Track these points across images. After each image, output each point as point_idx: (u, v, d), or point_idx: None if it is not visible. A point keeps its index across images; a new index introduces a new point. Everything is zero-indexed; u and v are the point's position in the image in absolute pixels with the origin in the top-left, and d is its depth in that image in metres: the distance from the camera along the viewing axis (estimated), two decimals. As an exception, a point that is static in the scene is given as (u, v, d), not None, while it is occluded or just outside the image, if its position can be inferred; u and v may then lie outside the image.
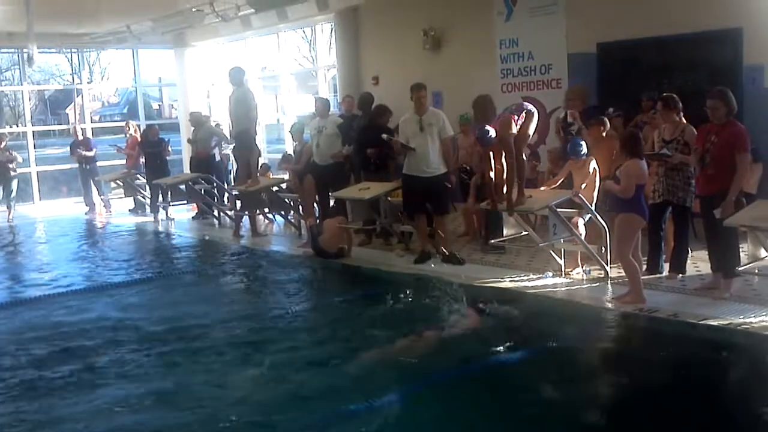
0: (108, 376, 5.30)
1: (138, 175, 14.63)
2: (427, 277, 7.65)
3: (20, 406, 4.81)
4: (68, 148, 15.34)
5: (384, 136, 8.72)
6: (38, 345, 6.09)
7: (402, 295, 6.74)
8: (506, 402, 4.55)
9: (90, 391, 4.99)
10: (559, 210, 7.04)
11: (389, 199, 8.88)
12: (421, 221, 8.46)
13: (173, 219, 13.37)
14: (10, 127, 21.19)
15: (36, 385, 5.17)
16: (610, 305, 6.39)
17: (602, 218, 7.01)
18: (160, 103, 32.01)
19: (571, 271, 7.37)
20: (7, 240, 12.50)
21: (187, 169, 14.37)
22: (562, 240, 7.26)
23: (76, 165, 15.06)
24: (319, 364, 5.27)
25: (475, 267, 8.00)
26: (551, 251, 7.46)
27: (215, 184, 12.91)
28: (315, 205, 10.39)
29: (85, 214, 14.72)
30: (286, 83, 16.89)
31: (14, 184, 14.44)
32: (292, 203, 11.31)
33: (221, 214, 12.65)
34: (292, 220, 11.33)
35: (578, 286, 7.00)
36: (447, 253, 8.23)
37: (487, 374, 5.10)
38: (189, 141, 14.06)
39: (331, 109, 10.76)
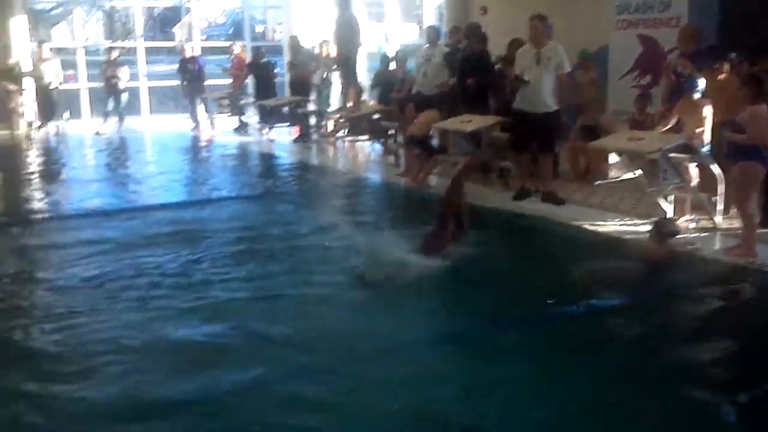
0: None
1: (243, 96, 14.89)
2: (527, 215, 7.56)
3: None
4: (176, 66, 15.68)
5: (515, 73, 8.33)
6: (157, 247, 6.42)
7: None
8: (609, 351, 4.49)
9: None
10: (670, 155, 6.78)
11: (491, 132, 8.75)
12: (524, 157, 8.30)
13: (275, 140, 13.59)
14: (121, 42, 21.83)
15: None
16: (719, 256, 6.16)
17: (715, 166, 6.71)
18: (265, 26, 32.22)
19: (678, 219, 7.13)
20: (115, 151, 13.07)
21: (288, 92, 14.50)
22: (671, 186, 7.01)
23: (180, 84, 15.43)
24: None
25: (576, 208, 7.83)
26: (659, 197, 7.21)
27: (316, 108, 13.02)
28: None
29: (191, 130, 15.12)
30: (390, 10, 16.68)
31: (124, 97, 14.96)
32: (392, 131, 11.30)
33: (321, 138, 12.77)
34: (391, 148, 11.33)
35: (685, 235, 6.77)
36: (547, 192, 8.09)
37: (586, 318, 5.02)
38: (289, 64, 14.18)
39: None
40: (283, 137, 13.75)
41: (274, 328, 4.61)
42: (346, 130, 12.66)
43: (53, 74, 14.24)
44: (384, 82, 11.75)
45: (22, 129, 14.36)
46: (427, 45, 10.08)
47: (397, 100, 10.69)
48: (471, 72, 9.12)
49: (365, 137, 12.01)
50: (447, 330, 4.74)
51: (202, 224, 7.40)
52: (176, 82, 15.78)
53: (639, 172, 7.43)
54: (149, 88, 16.84)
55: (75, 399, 3.75)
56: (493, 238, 6.62)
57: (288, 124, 13.70)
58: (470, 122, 8.82)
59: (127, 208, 8.26)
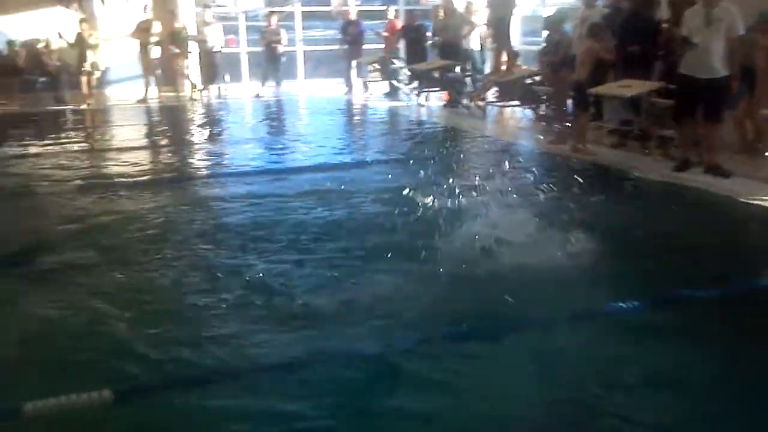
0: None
1: (394, 60, 14.96)
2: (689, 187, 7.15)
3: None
4: (331, 31, 15.97)
5: (682, 35, 7.84)
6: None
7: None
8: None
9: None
10: None
11: (652, 99, 8.31)
12: (688, 126, 7.83)
13: (425, 105, 13.59)
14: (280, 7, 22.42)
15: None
16: None
17: None
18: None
19: None
20: (272, 114, 13.50)
21: (437, 56, 14.40)
22: None
23: (340, 47, 15.69)
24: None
25: (744, 181, 7.31)
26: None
27: (468, 73, 12.87)
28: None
29: (345, 94, 15.39)
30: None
31: (281, 62, 15.44)
32: (544, 97, 10.99)
33: (471, 103, 12.63)
34: (544, 114, 11.04)
35: None
36: (712, 164, 7.60)
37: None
38: (438, 28, 14.05)
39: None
40: (433, 102, 13.72)
41: (431, 290, 4.54)
42: (497, 96, 12.46)
43: (216, 38, 14.88)
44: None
45: (186, 91, 15.14)
46: (585, 6, 9.67)
47: (551, 64, 10.36)
48: (633, 36, 8.66)
49: (516, 103, 11.76)
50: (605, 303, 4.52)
51: (352, 184, 7.50)
52: (331, 47, 16.07)
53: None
54: (304, 52, 17.25)
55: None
56: (653, 209, 6.31)
57: (438, 88, 13.65)
58: (630, 87, 8.41)
59: (283, 168, 8.53)
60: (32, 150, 9.55)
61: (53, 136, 10.63)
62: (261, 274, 4.77)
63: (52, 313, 4.19)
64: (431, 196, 6.23)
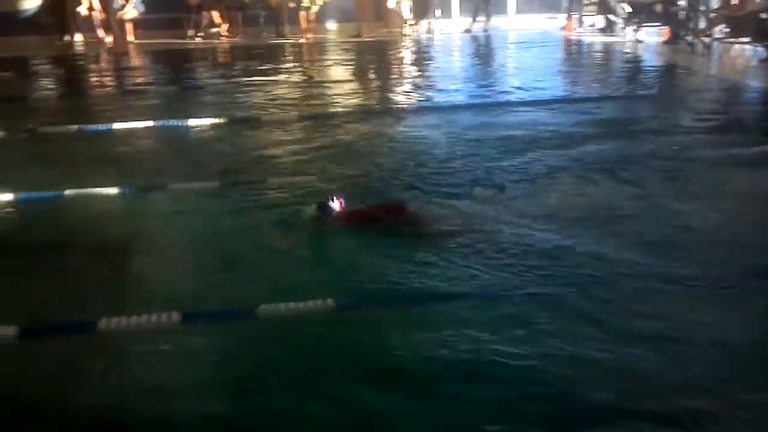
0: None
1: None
2: None
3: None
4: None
5: None
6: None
7: None
8: None
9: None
10: None
11: None
12: None
13: (643, 41, 12.85)
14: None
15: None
16: None
17: None
18: None
19: None
20: (481, 48, 13.42)
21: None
22: None
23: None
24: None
25: None
26: None
27: (692, 7, 11.96)
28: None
29: (559, 29, 14.92)
30: None
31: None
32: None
33: (695, 40, 11.77)
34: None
35: None
36: None
37: None
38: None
39: None
40: (652, 38, 12.95)
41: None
42: (726, 31, 11.49)
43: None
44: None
45: (397, 26, 15.36)
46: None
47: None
48: None
49: (747, 39, 10.79)
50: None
51: (560, 126, 7.26)
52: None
53: None
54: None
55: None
56: None
57: (659, 23, 12.83)
58: None
59: (489, 102, 8.42)
60: (256, 79, 10.17)
61: (273, 68, 11.25)
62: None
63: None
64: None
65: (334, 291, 3.55)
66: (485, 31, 15.05)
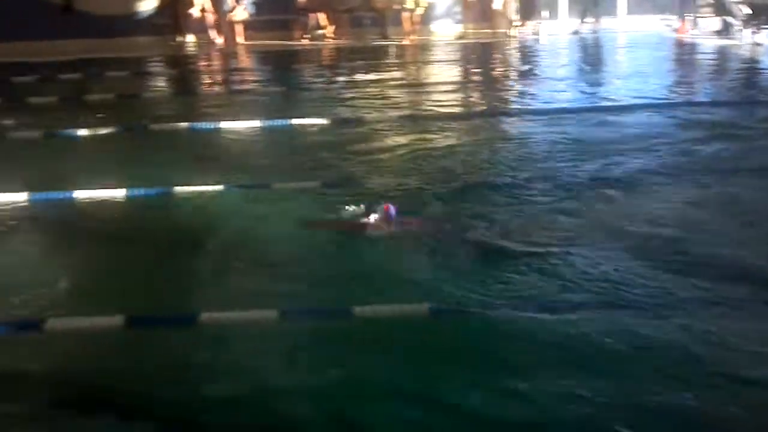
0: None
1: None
2: None
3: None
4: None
5: None
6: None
7: None
8: None
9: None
10: None
11: None
12: None
13: (762, 44, 12.22)
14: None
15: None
16: None
17: None
18: None
19: None
20: (590, 50, 13.16)
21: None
22: None
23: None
24: None
25: None
26: None
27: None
28: None
29: (672, 31, 14.40)
30: None
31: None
32: None
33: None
34: None
35: None
36: None
37: None
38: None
39: None
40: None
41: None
42: None
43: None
44: None
45: (503, 28, 15.16)
46: None
47: None
48: None
49: None
50: None
51: (667, 128, 7.03)
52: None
53: None
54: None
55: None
56: None
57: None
58: None
59: (595, 107, 8.22)
60: (359, 80, 10.26)
61: (376, 69, 11.31)
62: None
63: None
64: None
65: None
66: (594, 32, 14.67)
